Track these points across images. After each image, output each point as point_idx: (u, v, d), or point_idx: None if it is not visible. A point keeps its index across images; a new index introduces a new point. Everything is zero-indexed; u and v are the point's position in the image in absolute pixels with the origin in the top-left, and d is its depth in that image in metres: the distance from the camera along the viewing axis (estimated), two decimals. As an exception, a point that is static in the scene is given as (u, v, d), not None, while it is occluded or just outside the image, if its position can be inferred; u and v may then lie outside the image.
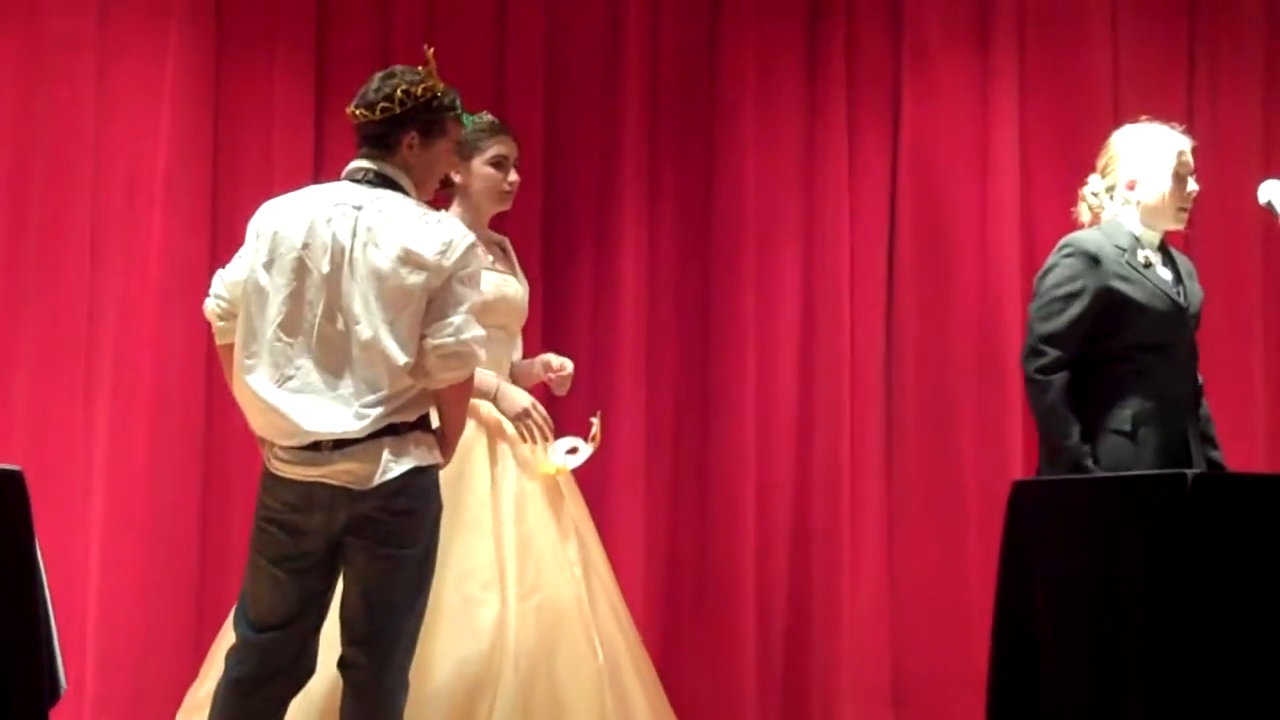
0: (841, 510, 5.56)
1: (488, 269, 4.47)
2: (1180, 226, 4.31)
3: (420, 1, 5.56)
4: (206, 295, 3.80)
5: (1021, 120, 5.70)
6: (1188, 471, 3.46)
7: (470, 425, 4.31)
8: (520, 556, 4.27)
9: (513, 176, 4.57)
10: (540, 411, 4.40)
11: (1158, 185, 4.25)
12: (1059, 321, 4.13)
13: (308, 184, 3.92)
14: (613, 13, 5.64)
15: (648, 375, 5.48)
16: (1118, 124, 5.51)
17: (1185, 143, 4.31)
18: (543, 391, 4.62)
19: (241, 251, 3.74)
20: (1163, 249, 4.30)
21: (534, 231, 5.46)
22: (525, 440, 4.40)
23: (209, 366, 5.22)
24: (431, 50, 3.79)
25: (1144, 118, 4.39)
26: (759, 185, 5.64)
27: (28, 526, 3.37)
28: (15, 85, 5.31)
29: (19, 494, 3.36)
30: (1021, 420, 5.57)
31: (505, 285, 4.54)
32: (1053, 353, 4.11)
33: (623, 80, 5.61)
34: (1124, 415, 4.11)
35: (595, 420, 4.50)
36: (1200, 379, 4.31)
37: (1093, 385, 4.13)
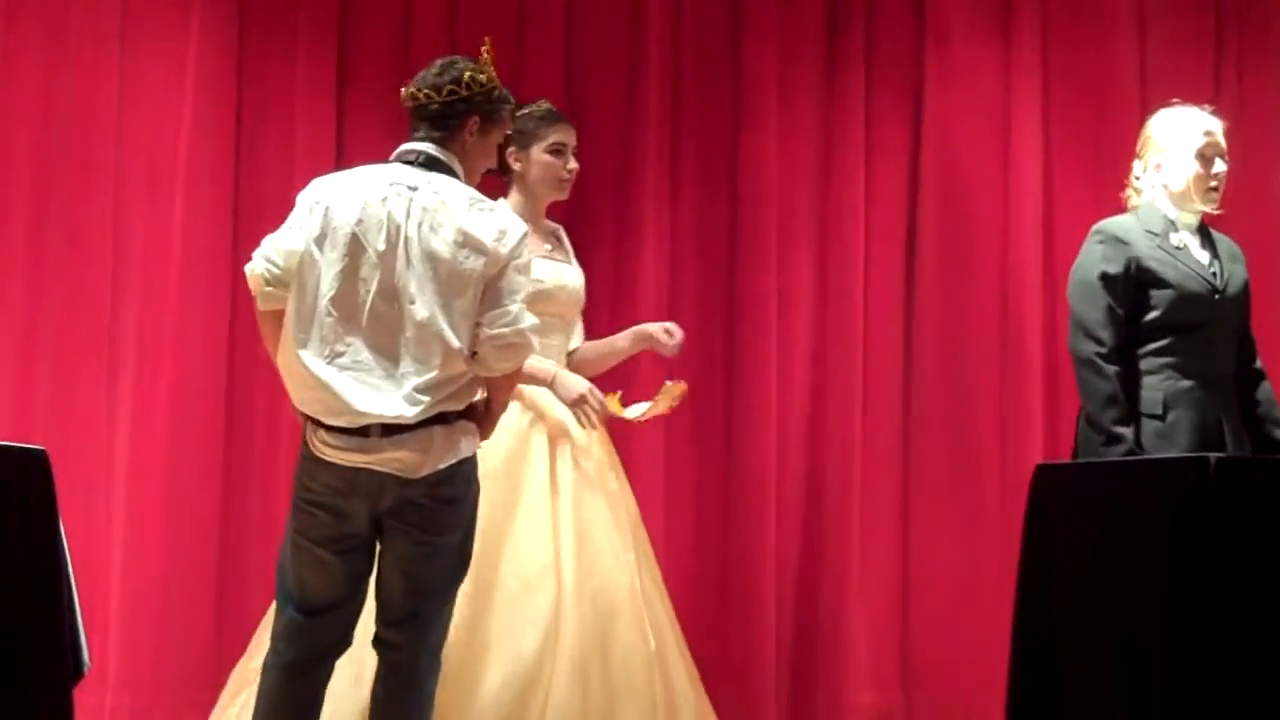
0: (853, 497, 5.55)
1: (545, 257, 4.51)
2: (1209, 207, 4.29)
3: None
4: (251, 259, 3.70)
5: (1044, 107, 5.67)
6: (1211, 455, 3.43)
7: (528, 415, 4.37)
8: (578, 546, 4.29)
9: (571, 164, 4.57)
10: (596, 396, 4.41)
11: (1183, 167, 4.25)
12: (1102, 307, 4.15)
13: (330, 171, 3.92)
14: (634, 12, 5.63)
15: (668, 361, 5.47)
16: (1143, 110, 5.52)
17: (1212, 123, 4.30)
18: (602, 381, 4.61)
19: (292, 221, 3.69)
20: (1203, 231, 4.29)
21: (556, 221, 5.45)
22: (583, 425, 4.40)
23: (231, 350, 5.25)
24: (489, 42, 3.83)
25: (1175, 101, 4.38)
26: (780, 171, 5.62)
27: (52, 507, 3.39)
28: (38, 73, 5.32)
29: (44, 474, 3.38)
30: (1041, 408, 5.57)
31: (563, 274, 4.55)
32: (1108, 339, 4.13)
33: (644, 67, 5.59)
34: (1155, 398, 4.13)
35: (673, 384, 4.56)
36: (1259, 362, 4.31)
37: (1126, 368, 4.14)
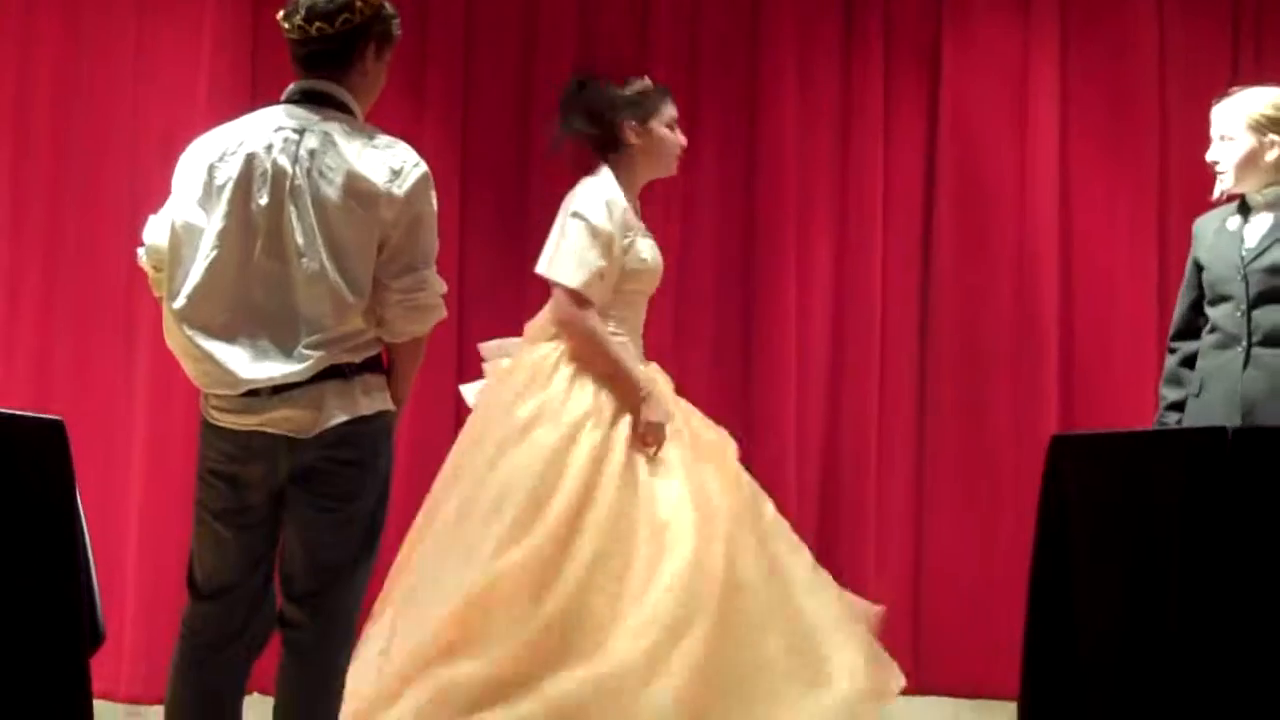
0: (869, 476, 5.56)
1: (647, 235, 4.48)
2: (1224, 187, 4.30)
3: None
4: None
5: (1062, 82, 5.67)
6: (1229, 427, 3.42)
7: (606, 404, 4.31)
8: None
9: (683, 139, 4.55)
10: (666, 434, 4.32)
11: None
12: (1180, 294, 4.38)
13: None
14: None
15: (684, 343, 5.47)
16: (1161, 85, 5.52)
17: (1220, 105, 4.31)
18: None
19: (173, 190, 3.44)
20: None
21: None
22: (643, 446, 4.30)
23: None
24: None
25: (1233, 90, 4.34)
26: (798, 149, 5.63)
27: (69, 476, 3.37)
28: (55, 59, 5.36)
29: (61, 444, 3.35)
30: (1056, 385, 5.56)
31: (658, 254, 4.51)
32: (1176, 321, 4.36)
33: (658, 46, 5.59)
34: (1195, 378, 4.24)
35: None
36: None
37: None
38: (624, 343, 4.40)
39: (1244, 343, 4.16)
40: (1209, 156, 4.29)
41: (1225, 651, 3.24)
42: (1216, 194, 4.31)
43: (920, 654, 5.53)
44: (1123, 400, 5.50)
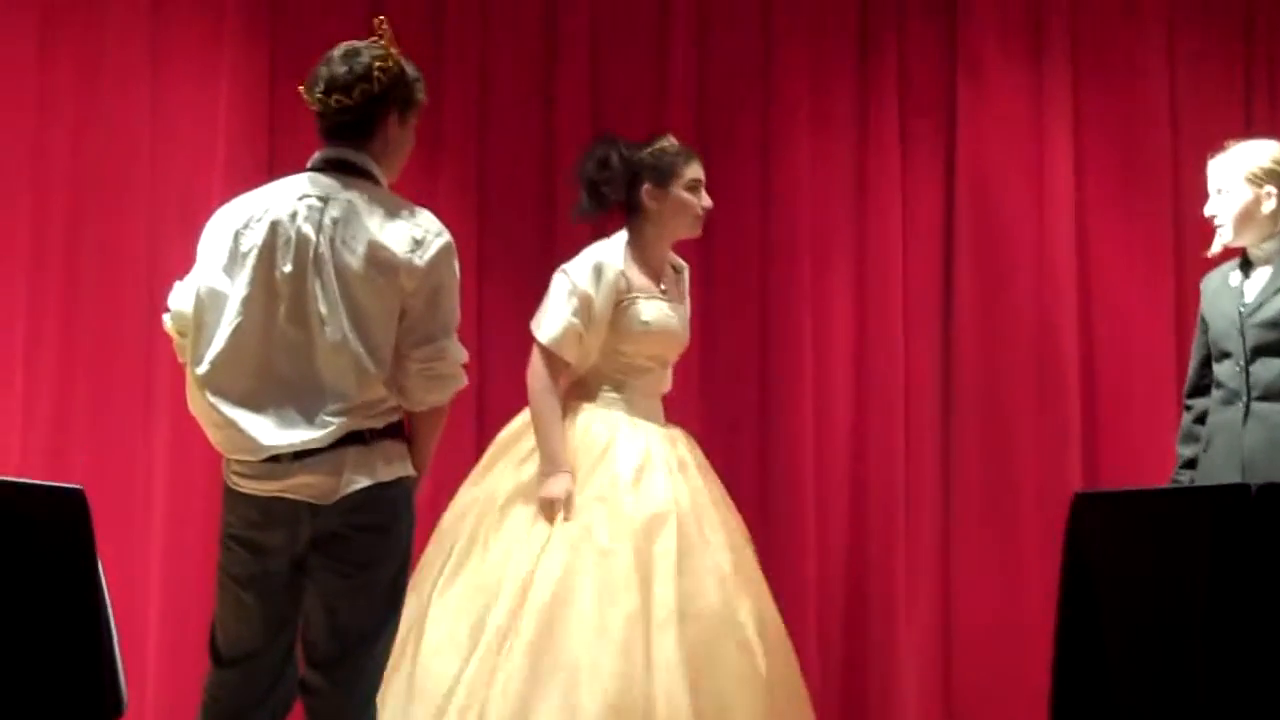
0: (897, 529, 5.54)
1: (654, 297, 4.47)
2: (1223, 241, 4.31)
3: (474, 17, 5.55)
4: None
5: (1076, 136, 5.67)
6: (1252, 483, 3.41)
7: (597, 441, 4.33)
8: (671, 571, 4.19)
9: (706, 200, 4.53)
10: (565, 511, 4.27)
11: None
12: (1191, 352, 4.42)
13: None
14: (661, 33, 5.63)
15: (702, 392, 5.46)
16: (1174, 134, 5.53)
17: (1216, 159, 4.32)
18: None
19: (199, 256, 3.47)
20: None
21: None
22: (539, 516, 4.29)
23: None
24: (382, 19, 3.53)
25: (1229, 142, 4.37)
26: (813, 203, 5.62)
27: (90, 545, 3.37)
28: (73, 110, 5.35)
29: (81, 513, 3.36)
30: (1080, 438, 5.55)
31: (668, 317, 4.49)
32: (1190, 381, 4.39)
33: (670, 98, 5.59)
34: (1205, 434, 4.26)
35: None
36: None
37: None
38: (613, 399, 4.42)
39: (1244, 398, 4.15)
40: (1207, 211, 4.31)
41: (1255, 707, 3.22)
42: (1217, 248, 4.33)
43: (952, 708, 5.50)
44: (1144, 450, 5.48)
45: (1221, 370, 4.22)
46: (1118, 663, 3.55)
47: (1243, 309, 4.20)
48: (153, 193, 5.36)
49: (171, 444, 5.21)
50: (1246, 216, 4.23)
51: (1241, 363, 4.16)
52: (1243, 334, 4.18)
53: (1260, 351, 4.15)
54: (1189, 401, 4.38)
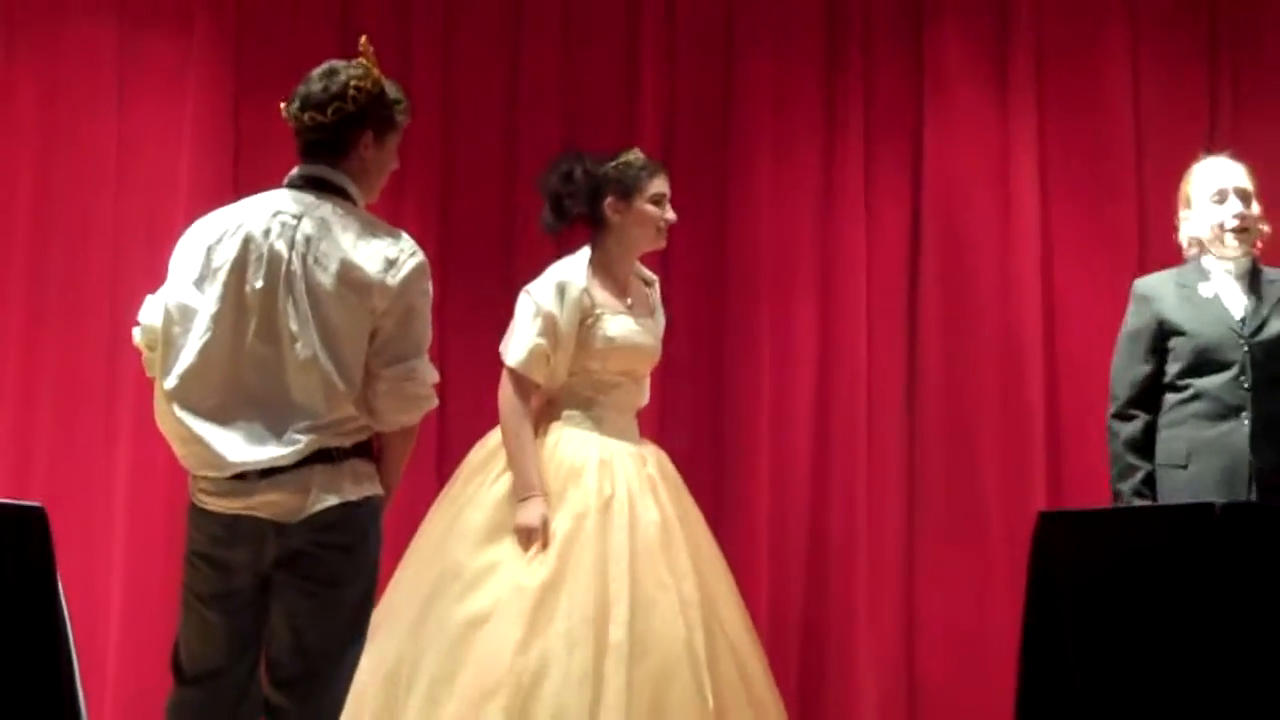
0: (859, 546, 5.52)
1: (621, 312, 4.45)
2: (1235, 251, 4.30)
3: (438, 33, 5.55)
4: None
5: (1041, 154, 5.68)
6: (1216, 502, 3.42)
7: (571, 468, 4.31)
8: (629, 600, 4.16)
9: (670, 214, 4.51)
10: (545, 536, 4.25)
11: (1204, 216, 4.32)
12: (1119, 366, 4.33)
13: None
14: (629, 49, 5.64)
15: (661, 406, 5.44)
16: (1138, 150, 5.55)
17: (1223, 167, 4.33)
18: None
19: (170, 272, 3.45)
20: (1253, 275, 4.29)
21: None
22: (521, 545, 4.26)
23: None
24: (366, 39, 3.54)
25: (1203, 154, 4.42)
26: (777, 220, 5.63)
27: (50, 564, 3.35)
28: (36, 130, 5.37)
29: (42, 532, 3.34)
30: (1044, 454, 5.55)
31: (634, 332, 4.47)
32: (1120, 397, 4.31)
33: (639, 120, 5.60)
34: (1178, 449, 4.21)
35: None
36: None
37: (1158, 421, 4.26)
38: (582, 418, 4.39)
39: (1248, 414, 4.15)
40: (1234, 211, 4.27)
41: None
42: (1240, 252, 4.28)
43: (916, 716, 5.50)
44: (1108, 467, 5.48)
45: (1210, 384, 4.19)
46: (1082, 681, 3.55)
47: (1238, 324, 4.19)
48: (117, 213, 5.37)
49: (133, 463, 5.20)
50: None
51: (1248, 385, 4.17)
52: (1249, 351, 4.18)
53: (1268, 369, 4.16)
54: (1133, 411, 4.29)
